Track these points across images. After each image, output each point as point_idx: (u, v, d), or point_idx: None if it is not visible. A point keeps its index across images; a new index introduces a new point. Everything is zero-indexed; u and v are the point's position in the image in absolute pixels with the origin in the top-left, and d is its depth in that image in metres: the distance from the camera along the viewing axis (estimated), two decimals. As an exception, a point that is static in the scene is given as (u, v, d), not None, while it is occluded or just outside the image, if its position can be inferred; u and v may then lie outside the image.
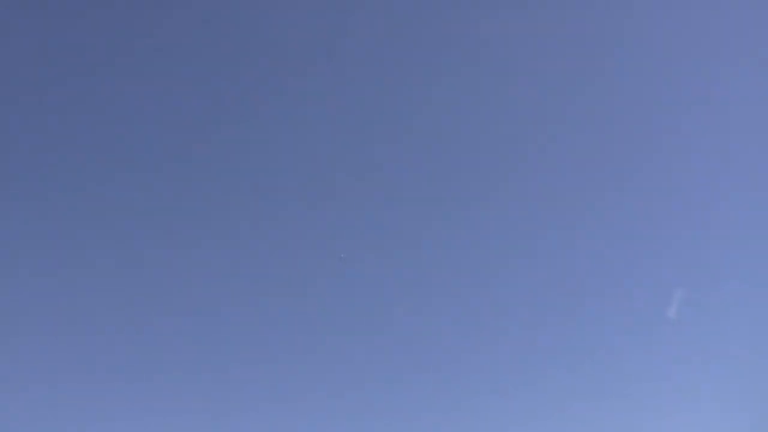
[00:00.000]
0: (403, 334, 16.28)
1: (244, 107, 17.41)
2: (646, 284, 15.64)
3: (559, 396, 14.99)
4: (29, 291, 16.21)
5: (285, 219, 17.04)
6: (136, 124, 17.15)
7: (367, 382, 15.93)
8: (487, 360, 15.63)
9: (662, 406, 14.61)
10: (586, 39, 16.51)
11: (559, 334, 15.74)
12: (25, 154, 16.94)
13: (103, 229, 16.73)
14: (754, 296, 14.79)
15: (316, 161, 17.17)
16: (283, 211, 17.07)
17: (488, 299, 16.24)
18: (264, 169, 17.30)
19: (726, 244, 15.50)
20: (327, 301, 16.54)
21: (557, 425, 14.55)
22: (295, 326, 16.44)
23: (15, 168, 16.87)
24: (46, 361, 15.74)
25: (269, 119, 17.30)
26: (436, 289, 16.29)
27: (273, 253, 16.88)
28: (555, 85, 16.80)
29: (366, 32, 17.26)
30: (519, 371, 15.26)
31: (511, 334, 15.78)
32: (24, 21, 16.91)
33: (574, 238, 16.40)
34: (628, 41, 16.73)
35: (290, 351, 16.21)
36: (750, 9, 16.17)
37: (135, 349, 15.93)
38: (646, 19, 16.61)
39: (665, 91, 16.68)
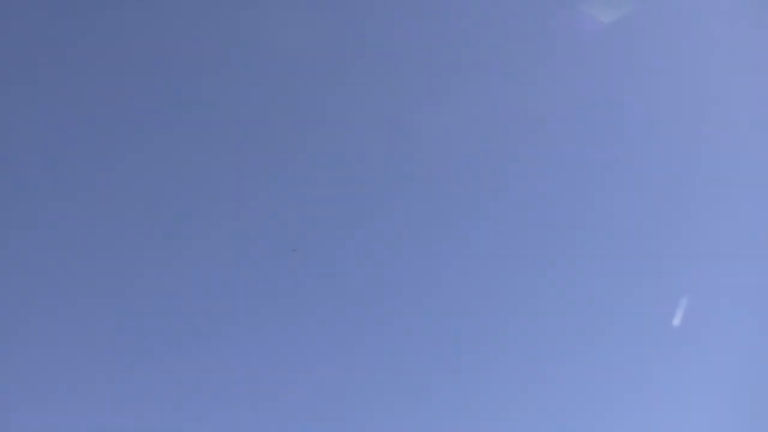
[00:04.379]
0: (405, 336, 16.37)
1: (246, 108, 17.53)
2: (651, 292, 15.69)
3: (563, 404, 15.05)
4: (28, 290, 16.32)
5: (284, 217, 17.16)
6: (137, 124, 17.26)
7: (367, 382, 16.03)
8: (487, 362, 15.68)
9: (668, 414, 14.67)
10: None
11: (561, 343, 15.80)
12: (24, 154, 17.06)
13: (102, 228, 16.85)
14: (760, 303, 14.82)
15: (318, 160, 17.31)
16: (283, 208, 17.20)
17: (489, 300, 16.29)
18: (265, 168, 17.42)
19: (732, 250, 15.51)
20: (326, 302, 16.65)
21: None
22: (294, 326, 16.55)
23: (15, 168, 17.00)
24: (45, 361, 15.86)
25: (272, 118, 17.41)
26: (439, 291, 16.41)
27: (271, 252, 16.99)
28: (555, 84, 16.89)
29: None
30: (522, 378, 15.34)
31: (512, 338, 15.83)
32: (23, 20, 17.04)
33: (576, 245, 16.44)
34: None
35: (289, 350, 16.32)
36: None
37: (134, 348, 16.04)
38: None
39: (668, 89, 16.73)
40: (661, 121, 16.82)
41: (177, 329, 16.19)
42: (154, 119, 17.03)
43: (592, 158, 17.06)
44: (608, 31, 16.72)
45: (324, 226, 16.91)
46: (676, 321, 14.79)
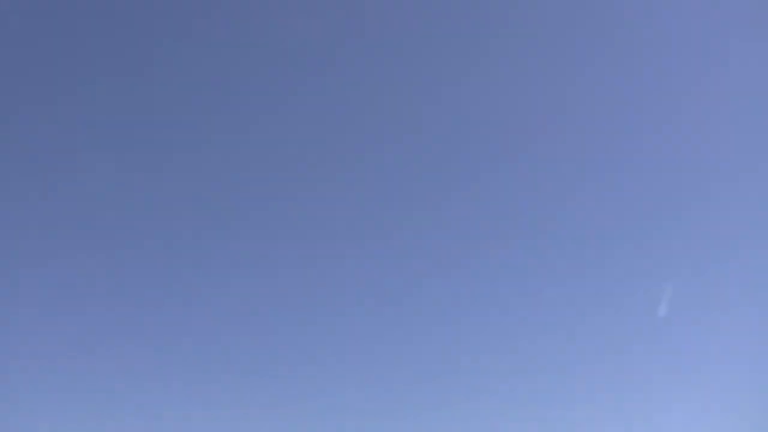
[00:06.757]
0: (403, 336, 16.25)
1: (245, 107, 17.36)
2: (635, 282, 15.61)
3: (550, 397, 14.97)
4: (29, 293, 16.12)
5: (285, 215, 17.00)
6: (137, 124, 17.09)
7: (367, 382, 15.90)
8: (477, 360, 15.60)
9: (655, 405, 14.59)
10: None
11: (548, 334, 15.71)
12: (24, 153, 16.86)
13: (104, 229, 16.68)
14: (745, 292, 14.76)
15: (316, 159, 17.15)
16: (284, 207, 17.04)
17: (479, 298, 16.21)
18: (266, 167, 17.25)
19: (716, 238, 15.46)
20: (327, 301, 16.50)
21: (548, 426, 14.54)
22: (296, 325, 16.40)
23: (15, 167, 16.79)
24: (46, 362, 15.67)
25: (270, 118, 17.26)
26: (427, 290, 16.29)
27: (272, 249, 16.84)
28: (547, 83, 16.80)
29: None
30: (509, 371, 15.25)
31: (498, 334, 15.76)
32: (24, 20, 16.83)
33: (562, 236, 16.35)
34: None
35: (291, 349, 16.16)
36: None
37: (136, 348, 15.88)
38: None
39: (654, 83, 16.64)
40: (651, 116, 16.82)
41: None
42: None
43: (583, 154, 17.05)
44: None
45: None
46: (662, 311, 14.75)
